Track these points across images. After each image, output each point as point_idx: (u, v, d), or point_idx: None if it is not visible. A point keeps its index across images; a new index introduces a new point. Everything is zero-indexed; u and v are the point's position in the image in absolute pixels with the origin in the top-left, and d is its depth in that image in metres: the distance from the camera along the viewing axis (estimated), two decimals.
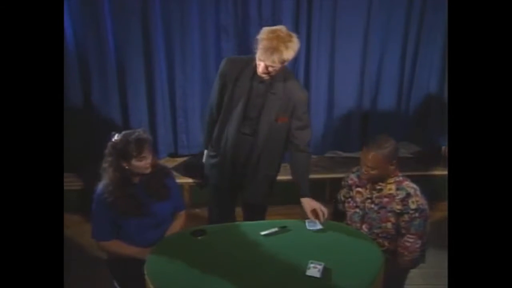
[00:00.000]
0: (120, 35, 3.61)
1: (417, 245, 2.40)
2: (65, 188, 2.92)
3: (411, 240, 2.39)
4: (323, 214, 2.51)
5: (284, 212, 3.33)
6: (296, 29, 3.70)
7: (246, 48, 3.24)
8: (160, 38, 3.64)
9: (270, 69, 2.45)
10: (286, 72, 2.62)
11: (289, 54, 2.41)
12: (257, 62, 2.48)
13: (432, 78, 3.90)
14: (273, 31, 2.41)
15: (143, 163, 2.34)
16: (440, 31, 3.72)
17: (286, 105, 2.59)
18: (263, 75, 2.50)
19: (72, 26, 3.53)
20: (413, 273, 2.61)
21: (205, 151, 2.92)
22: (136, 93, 3.78)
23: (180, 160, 4.00)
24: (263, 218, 3.10)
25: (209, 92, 3.84)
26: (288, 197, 3.77)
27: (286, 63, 2.49)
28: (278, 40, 2.38)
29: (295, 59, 3.79)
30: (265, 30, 2.45)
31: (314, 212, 2.53)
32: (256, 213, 2.99)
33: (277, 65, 2.43)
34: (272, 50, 2.38)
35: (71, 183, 3.65)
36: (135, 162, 2.33)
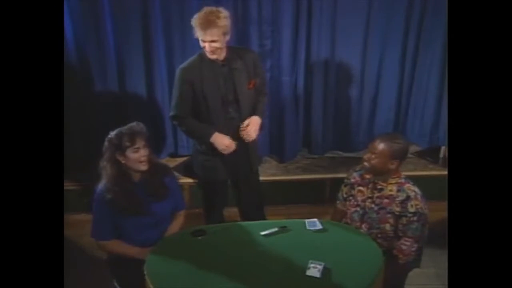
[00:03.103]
0: (120, 35, 3.61)
1: (413, 249, 2.40)
2: (65, 188, 2.93)
3: (407, 243, 2.39)
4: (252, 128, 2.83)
5: (284, 212, 3.34)
6: (296, 29, 3.70)
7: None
8: (160, 38, 3.64)
9: (214, 44, 2.67)
10: (234, 48, 2.90)
11: (222, 22, 2.65)
12: (202, 46, 2.71)
13: (432, 78, 3.90)
14: (201, 13, 2.68)
15: (137, 155, 2.37)
16: (440, 31, 3.71)
17: (249, 70, 2.86)
18: (213, 55, 2.74)
19: (72, 26, 3.52)
20: (413, 273, 2.61)
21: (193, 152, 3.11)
22: (136, 93, 3.78)
23: (180, 160, 4.00)
24: (263, 216, 3.11)
25: None
26: (288, 197, 3.80)
27: (226, 35, 2.71)
28: (208, 15, 2.65)
29: (295, 59, 3.81)
30: (195, 16, 2.70)
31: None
32: (255, 212, 3.02)
33: (218, 37, 2.66)
34: (207, 24, 2.63)
35: (71, 183, 3.65)
36: (129, 154, 2.35)
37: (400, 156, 2.41)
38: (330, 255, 2.25)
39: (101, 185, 2.40)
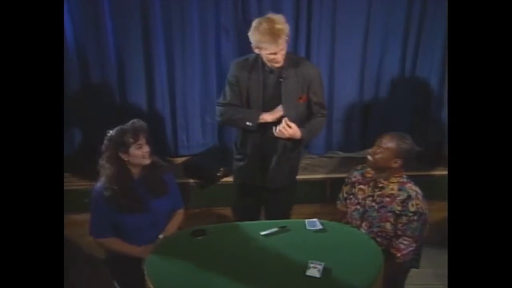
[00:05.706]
0: (120, 35, 3.61)
1: (411, 249, 2.40)
2: (65, 188, 2.92)
3: (405, 242, 2.39)
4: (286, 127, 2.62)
5: None
6: (296, 29, 3.70)
7: (246, 48, 3.24)
8: (160, 38, 3.64)
9: (281, 53, 2.58)
10: (292, 56, 2.79)
11: (287, 28, 2.56)
12: (264, 55, 2.61)
13: (432, 78, 3.90)
14: (265, 22, 2.55)
15: (141, 152, 2.37)
16: (440, 31, 3.72)
17: (302, 84, 2.74)
18: (276, 64, 2.64)
19: (72, 26, 3.52)
20: (413, 273, 2.61)
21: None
22: (136, 93, 3.78)
23: (180, 160, 4.00)
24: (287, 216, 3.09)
25: (209, 92, 3.87)
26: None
27: (288, 40, 2.60)
28: (275, 23, 2.53)
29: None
30: (254, 24, 2.60)
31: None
32: (279, 212, 3.00)
33: (284, 46, 2.57)
34: (278, 34, 2.51)
35: (71, 183, 3.65)
36: (133, 151, 2.35)
37: (405, 156, 2.41)
38: (330, 255, 2.25)
39: (99, 183, 2.40)
